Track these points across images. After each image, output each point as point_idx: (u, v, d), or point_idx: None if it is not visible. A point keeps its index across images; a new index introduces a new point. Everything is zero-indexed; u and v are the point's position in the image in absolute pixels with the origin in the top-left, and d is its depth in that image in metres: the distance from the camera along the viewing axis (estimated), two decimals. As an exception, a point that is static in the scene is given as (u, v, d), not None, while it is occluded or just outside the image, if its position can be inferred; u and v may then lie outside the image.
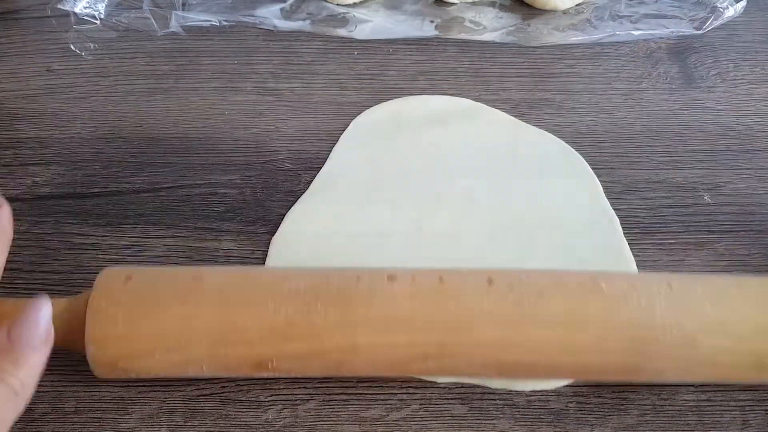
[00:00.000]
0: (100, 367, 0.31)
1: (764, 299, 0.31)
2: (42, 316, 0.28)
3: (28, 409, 0.33)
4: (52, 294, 0.37)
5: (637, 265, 0.38)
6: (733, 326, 0.30)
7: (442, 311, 0.31)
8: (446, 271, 0.32)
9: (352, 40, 0.52)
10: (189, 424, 0.33)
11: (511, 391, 0.34)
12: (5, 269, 0.31)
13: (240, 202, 0.42)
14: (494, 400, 0.34)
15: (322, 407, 0.34)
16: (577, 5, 0.53)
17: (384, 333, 0.30)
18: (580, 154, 0.44)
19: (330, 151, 0.44)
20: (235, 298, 0.31)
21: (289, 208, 0.41)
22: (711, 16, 0.52)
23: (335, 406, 0.34)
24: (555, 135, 0.45)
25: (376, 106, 0.47)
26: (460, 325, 0.30)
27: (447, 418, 0.33)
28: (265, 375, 0.32)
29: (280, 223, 0.40)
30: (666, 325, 0.30)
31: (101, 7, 0.51)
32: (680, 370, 0.31)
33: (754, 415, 0.33)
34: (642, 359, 0.30)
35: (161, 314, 0.30)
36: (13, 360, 0.27)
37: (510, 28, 0.52)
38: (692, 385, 0.34)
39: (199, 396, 0.34)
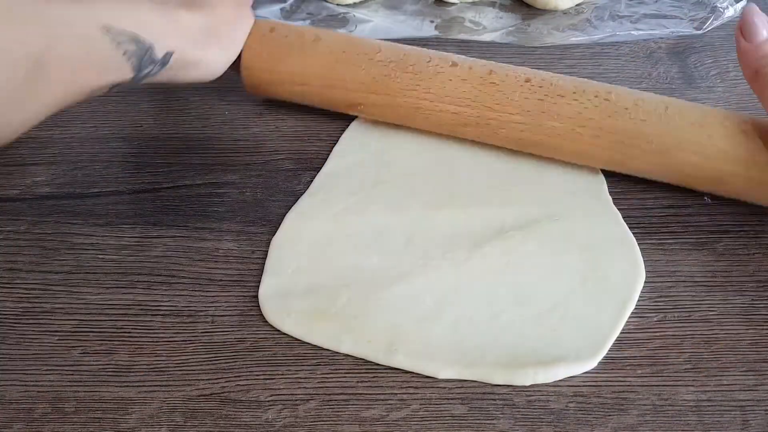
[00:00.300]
0: (248, 76, 0.44)
1: (733, 132, 0.38)
2: None
3: (28, 410, 0.33)
4: (53, 294, 0.38)
5: (637, 265, 0.38)
6: (703, 147, 0.38)
7: (484, 94, 0.41)
8: (495, 65, 0.43)
9: (352, 40, 0.51)
10: (189, 424, 0.33)
11: (511, 390, 0.34)
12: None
13: (240, 202, 0.42)
14: (494, 400, 0.34)
15: (322, 407, 0.34)
16: (577, 5, 0.54)
17: (440, 102, 0.42)
18: (580, 154, 0.44)
19: (330, 151, 0.44)
20: (341, 57, 0.43)
21: (289, 208, 0.41)
22: (711, 16, 0.52)
23: (335, 406, 0.34)
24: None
25: None
26: (495, 106, 0.41)
27: (447, 418, 0.33)
28: (356, 113, 0.45)
29: (280, 223, 0.40)
30: (649, 135, 0.39)
31: (101, 7, 0.51)
32: (654, 173, 0.41)
33: (754, 415, 0.33)
34: (624, 158, 0.40)
35: (290, 59, 0.44)
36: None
37: (510, 28, 0.52)
38: (692, 385, 0.34)
39: (199, 396, 0.34)
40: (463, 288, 0.37)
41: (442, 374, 0.34)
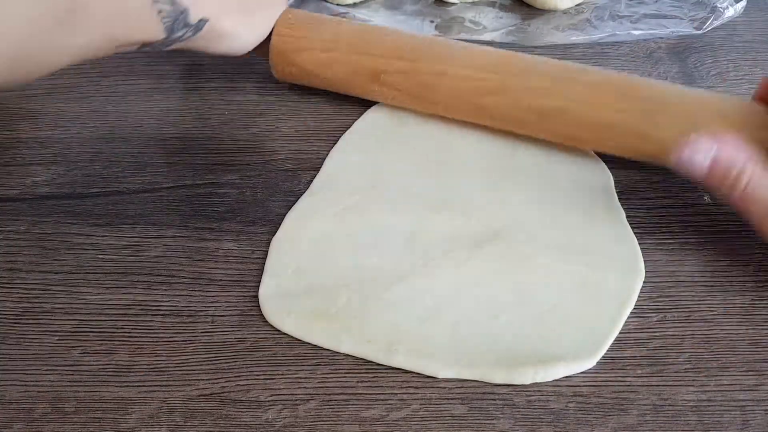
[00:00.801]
0: (277, 42, 0.45)
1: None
2: None
3: (28, 410, 0.33)
4: (53, 294, 0.38)
5: (637, 265, 0.38)
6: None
7: (508, 63, 0.43)
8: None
9: (352, 40, 0.51)
10: (189, 424, 0.33)
11: (511, 390, 0.34)
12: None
13: (240, 202, 0.42)
14: (494, 400, 0.34)
15: (322, 407, 0.34)
16: (577, 5, 0.54)
17: (464, 68, 0.43)
18: (580, 154, 0.44)
19: (330, 150, 0.44)
20: (370, 29, 0.46)
21: (290, 208, 0.41)
22: (711, 16, 0.52)
23: (335, 406, 0.34)
24: (555, 135, 0.45)
25: (376, 105, 0.47)
26: (518, 73, 0.42)
27: (447, 418, 0.33)
28: (376, 89, 0.45)
29: (280, 223, 0.40)
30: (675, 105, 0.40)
31: (101, 7, 0.51)
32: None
33: (754, 415, 0.33)
34: (650, 127, 0.40)
35: (322, 26, 0.45)
36: None
37: (510, 28, 0.52)
38: (692, 385, 0.34)
39: (199, 396, 0.34)
40: (463, 288, 0.37)
41: (442, 374, 0.34)
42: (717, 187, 0.35)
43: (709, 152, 0.34)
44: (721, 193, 0.35)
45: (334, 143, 0.45)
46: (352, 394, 0.34)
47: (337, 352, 0.35)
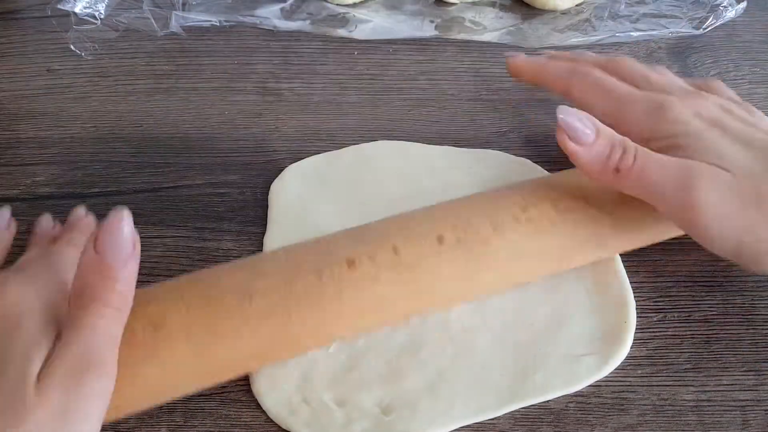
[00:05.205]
0: None
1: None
2: (125, 225, 0.29)
3: (28, 409, 0.33)
4: (52, 294, 0.37)
5: (636, 265, 0.38)
6: None
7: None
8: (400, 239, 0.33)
9: (352, 40, 0.52)
10: (189, 424, 0.33)
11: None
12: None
13: (240, 202, 0.42)
14: (494, 400, 0.34)
15: (322, 407, 0.33)
16: (576, 5, 0.53)
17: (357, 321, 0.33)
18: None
19: (329, 151, 0.44)
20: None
21: (289, 208, 0.41)
22: (711, 16, 0.52)
23: (335, 406, 0.34)
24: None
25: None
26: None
27: (447, 418, 0.33)
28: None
29: (280, 223, 0.40)
30: None
31: (101, 7, 0.51)
32: None
33: (754, 415, 0.33)
34: None
35: None
36: (107, 277, 0.28)
37: (510, 28, 0.52)
38: (692, 385, 0.34)
39: (199, 396, 0.34)
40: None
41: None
42: (604, 168, 0.33)
43: (589, 122, 0.33)
44: (609, 177, 0.33)
45: (334, 143, 0.45)
46: (352, 394, 0.34)
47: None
